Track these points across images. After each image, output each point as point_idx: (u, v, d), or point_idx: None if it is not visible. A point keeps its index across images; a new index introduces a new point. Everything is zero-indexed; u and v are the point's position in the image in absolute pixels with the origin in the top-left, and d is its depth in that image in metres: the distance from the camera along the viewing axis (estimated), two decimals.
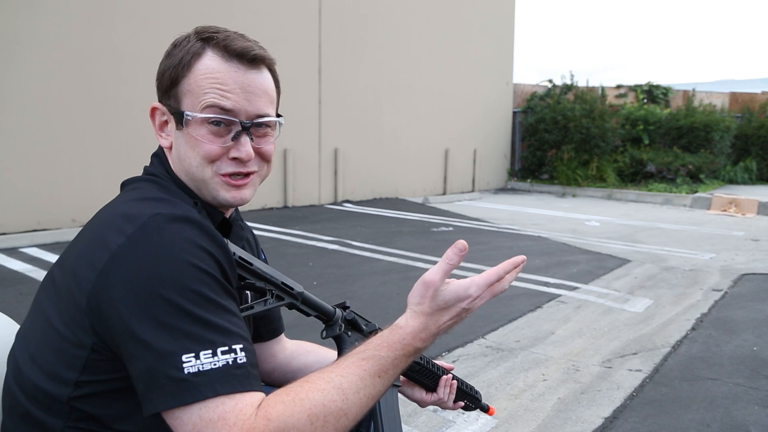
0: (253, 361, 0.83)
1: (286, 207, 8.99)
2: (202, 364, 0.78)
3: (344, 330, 1.12)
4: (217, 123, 0.97)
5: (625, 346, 3.53)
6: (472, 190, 12.69)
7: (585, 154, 12.74)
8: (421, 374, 1.25)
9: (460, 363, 3.22)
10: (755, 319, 4.07)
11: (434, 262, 5.47)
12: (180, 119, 0.98)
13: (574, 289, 4.77)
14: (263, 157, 1.05)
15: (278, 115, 1.06)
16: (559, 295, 4.56)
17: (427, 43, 11.18)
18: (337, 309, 1.13)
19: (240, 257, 0.96)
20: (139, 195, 0.96)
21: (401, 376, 1.20)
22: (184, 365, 0.77)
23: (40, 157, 6.26)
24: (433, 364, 1.28)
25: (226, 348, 0.80)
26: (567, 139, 12.77)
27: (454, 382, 1.31)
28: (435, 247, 6.30)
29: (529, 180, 13.73)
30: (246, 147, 0.99)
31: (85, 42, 6.53)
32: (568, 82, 14.25)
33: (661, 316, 4.11)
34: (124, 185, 1.03)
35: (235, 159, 0.99)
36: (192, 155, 0.99)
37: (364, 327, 1.16)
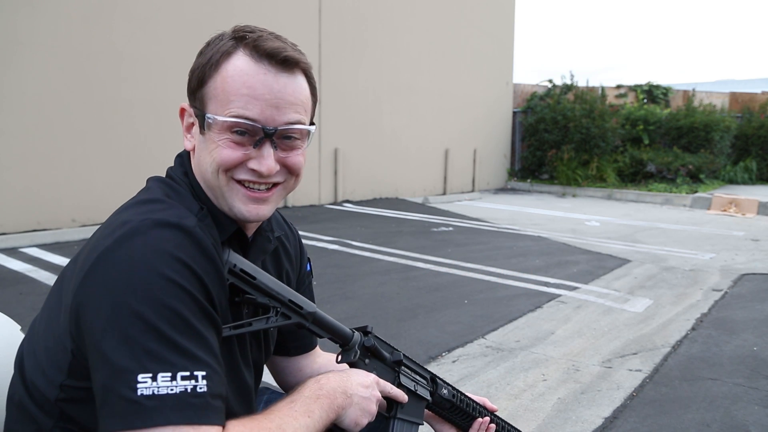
0: (216, 391, 0.79)
1: (286, 207, 8.99)
2: (158, 387, 0.73)
3: (360, 357, 1.05)
4: (240, 132, 0.91)
5: (625, 346, 3.53)
6: (472, 190, 12.69)
7: (585, 154, 12.74)
8: (451, 412, 1.19)
9: (460, 363, 3.22)
10: (755, 319, 4.07)
11: (434, 262, 5.50)
12: (202, 123, 0.93)
13: (574, 289, 4.76)
14: (290, 169, 0.97)
15: (311, 123, 0.98)
16: (559, 295, 4.56)
17: (427, 43, 11.18)
18: (356, 333, 1.05)
19: (241, 269, 0.92)
20: (143, 196, 0.93)
21: (427, 410, 1.15)
22: (138, 386, 0.73)
23: (40, 157, 6.26)
24: (468, 404, 1.22)
25: (188, 373, 0.75)
26: (567, 139, 12.77)
27: (492, 426, 1.25)
28: (435, 247, 6.30)
29: (529, 180, 13.73)
30: (267, 160, 0.92)
31: (85, 42, 6.53)
32: (568, 82, 14.25)
33: (661, 316, 4.11)
34: (146, 182, 1.01)
35: (253, 171, 0.92)
36: (208, 160, 0.93)
37: (387, 355, 1.09)
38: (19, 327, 1.19)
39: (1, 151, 6.01)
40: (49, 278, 4.60)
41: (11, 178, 6.10)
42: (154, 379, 0.74)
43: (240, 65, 0.90)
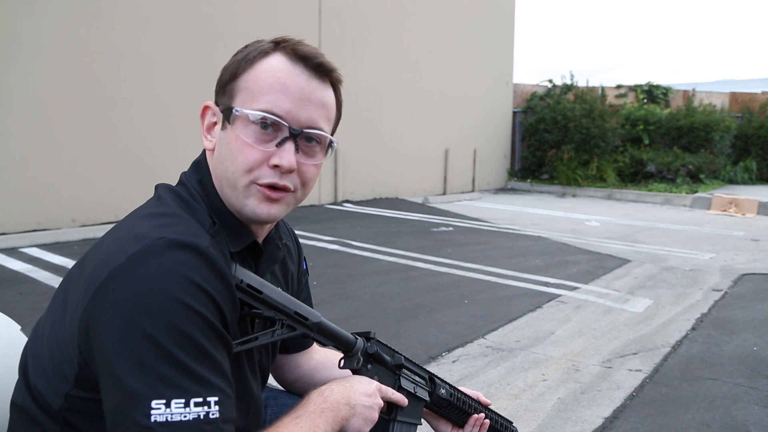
0: (227, 416, 0.79)
1: None
2: (172, 414, 0.74)
3: (363, 363, 1.05)
4: (264, 126, 0.91)
5: (625, 346, 3.53)
6: (472, 190, 12.69)
7: (585, 154, 12.74)
8: (448, 410, 1.21)
9: (460, 363, 3.22)
10: (755, 319, 4.07)
11: (434, 262, 5.50)
12: (228, 116, 0.93)
13: (574, 289, 4.76)
14: (302, 178, 0.96)
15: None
16: (559, 295, 4.56)
17: (427, 43, 11.18)
18: (359, 339, 1.06)
19: (248, 285, 0.92)
20: (156, 209, 0.91)
21: (425, 408, 1.17)
22: (152, 412, 0.73)
23: (39, 157, 6.26)
24: (464, 401, 1.23)
25: (201, 399, 0.76)
26: (567, 139, 12.77)
27: (486, 421, 1.26)
28: (435, 246, 6.30)
29: (529, 180, 13.73)
30: (289, 155, 0.92)
31: (85, 42, 6.53)
32: (568, 82, 14.25)
33: (661, 316, 4.11)
34: (156, 189, 0.99)
35: (275, 167, 0.92)
36: (231, 161, 0.93)
37: (388, 359, 1.09)
38: (20, 327, 1.19)
39: (1, 151, 6.01)
40: (49, 278, 4.60)
41: (11, 178, 6.10)
42: (167, 405, 0.74)
43: (275, 63, 0.93)
